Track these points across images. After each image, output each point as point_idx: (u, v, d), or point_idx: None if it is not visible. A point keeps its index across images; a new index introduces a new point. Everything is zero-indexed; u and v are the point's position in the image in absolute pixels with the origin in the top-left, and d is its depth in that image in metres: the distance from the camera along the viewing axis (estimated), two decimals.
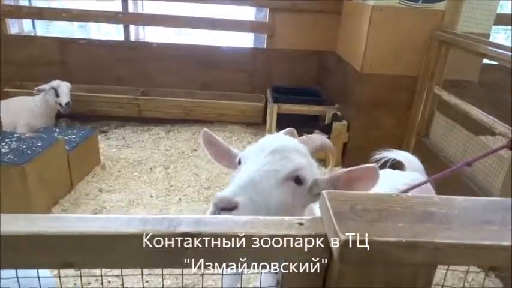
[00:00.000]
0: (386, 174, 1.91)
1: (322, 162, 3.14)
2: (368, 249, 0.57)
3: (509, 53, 2.42)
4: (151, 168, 3.74)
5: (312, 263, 0.66)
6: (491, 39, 3.50)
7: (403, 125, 3.69)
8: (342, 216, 0.61)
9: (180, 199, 3.29)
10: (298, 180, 1.13)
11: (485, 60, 3.39)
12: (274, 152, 1.15)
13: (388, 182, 1.78)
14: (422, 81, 3.47)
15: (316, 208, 1.24)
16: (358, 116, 3.75)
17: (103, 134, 4.44)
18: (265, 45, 4.81)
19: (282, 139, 1.22)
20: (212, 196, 3.35)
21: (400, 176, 1.93)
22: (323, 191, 0.68)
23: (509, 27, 5.21)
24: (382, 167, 2.13)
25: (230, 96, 4.77)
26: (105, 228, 0.65)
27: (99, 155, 3.77)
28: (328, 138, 3.96)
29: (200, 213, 3.13)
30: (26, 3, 5.16)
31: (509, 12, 4.84)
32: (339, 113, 4.07)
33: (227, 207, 1.02)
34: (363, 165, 1.08)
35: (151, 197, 3.30)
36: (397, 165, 2.19)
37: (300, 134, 4.21)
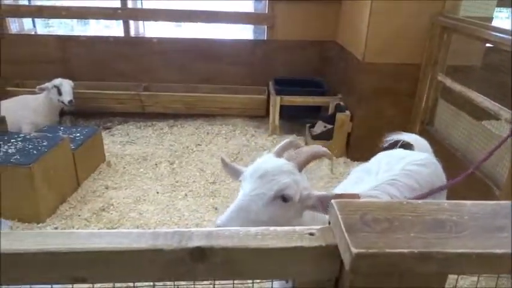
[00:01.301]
0: (398, 153, 2.02)
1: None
2: (380, 261, 0.57)
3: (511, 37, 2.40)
4: (156, 164, 3.76)
5: (323, 273, 0.66)
6: (495, 19, 3.45)
7: (407, 114, 3.67)
8: (352, 228, 0.61)
9: (186, 194, 3.30)
10: (284, 198, 1.29)
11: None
12: (261, 177, 1.31)
13: (401, 161, 1.89)
14: (425, 69, 3.45)
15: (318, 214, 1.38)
16: (362, 106, 3.73)
17: (107, 130, 4.44)
18: (265, 36, 4.78)
19: (270, 162, 1.37)
20: (217, 191, 3.38)
21: (411, 155, 1.98)
22: (332, 200, 0.68)
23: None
24: (393, 147, 2.20)
25: (232, 89, 4.75)
26: (116, 244, 0.65)
27: (104, 152, 3.79)
28: (332, 128, 3.97)
29: (207, 208, 3.15)
30: (26, 2, 5.13)
31: None
32: (342, 103, 4.05)
33: None
34: (350, 193, 1.30)
35: (158, 193, 3.32)
36: (406, 147, 2.23)
37: (303, 125, 4.19)
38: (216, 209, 3.13)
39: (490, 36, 2.70)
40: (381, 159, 1.95)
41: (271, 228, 0.69)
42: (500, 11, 6.29)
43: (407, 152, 2.09)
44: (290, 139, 1.54)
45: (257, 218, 1.25)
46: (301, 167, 1.36)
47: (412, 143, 2.24)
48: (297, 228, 0.69)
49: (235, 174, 1.50)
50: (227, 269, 0.67)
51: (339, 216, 0.64)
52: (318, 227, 0.69)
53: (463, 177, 1.77)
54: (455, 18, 3.19)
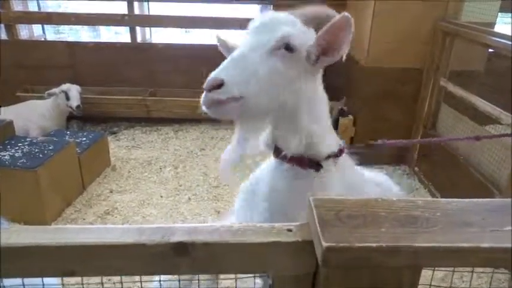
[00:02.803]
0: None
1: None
2: (350, 254, 0.60)
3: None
4: (160, 168, 3.80)
5: (300, 268, 0.69)
6: (503, 26, 3.45)
7: (410, 118, 3.67)
8: (326, 224, 0.64)
9: (189, 198, 3.34)
10: (288, 47, 1.09)
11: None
12: (260, 26, 1.13)
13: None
14: (428, 73, 3.46)
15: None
16: (364, 110, 3.74)
17: (113, 135, 4.51)
18: None
19: (269, 14, 1.19)
20: (221, 195, 3.41)
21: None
22: (310, 198, 0.70)
23: None
24: None
25: None
26: (103, 239, 0.69)
27: (110, 156, 3.85)
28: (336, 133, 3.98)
29: (210, 212, 3.18)
30: (35, 7, 5.24)
31: None
32: (345, 107, 4.07)
33: (214, 85, 1.05)
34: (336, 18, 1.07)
35: (161, 197, 3.36)
36: None
37: None
38: (218, 212, 3.17)
39: (491, 41, 2.71)
40: None
41: (251, 224, 0.72)
42: (507, 17, 6.27)
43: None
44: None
45: (254, 71, 1.05)
46: (307, 24, 1.16)
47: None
48: (276, 224, 0.72)
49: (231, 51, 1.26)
50: (208, 263, 0.70)
51: (314, 213, 0.66)
52: (297, 223, 0.72)
53: (465, 139, 1.74)
54: (457, 23, 3.21)
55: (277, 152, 1.23)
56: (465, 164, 2.95)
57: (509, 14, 5.62)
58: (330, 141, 1.24)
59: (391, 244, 0.59)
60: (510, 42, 2.45)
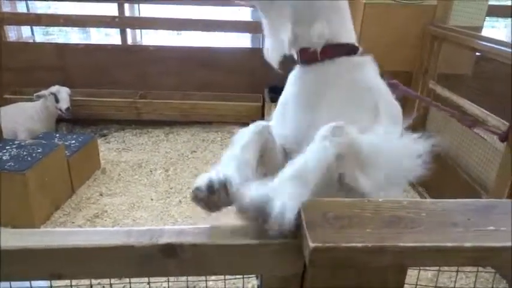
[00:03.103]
0: None
1: None
2: (336, 254, 0.60)
3: (498, 47, 2.45)
4: (151, 171, 3.79)
5: (288, 269, 0.69)
6: (490, 30, 3.51)
7: None
8: (314, 225, 0.65)
9: (180, 201, 3.33)
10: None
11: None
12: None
13: None
14: (417, 77, 3.50)
15: None
16: None
17: (103, 137, 4.48)
18: (261, 45, 4.84)
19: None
20: None
21: None
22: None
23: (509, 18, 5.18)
24: None
25: (228, 97, 4.79)
26: (90, 241, 0.68)
27: (100, 159, 3.82)
28: None
29: (200, 215, 3.17)
30: (24, 9, 5.19)
31: (506, 3, 4.86)
32: None
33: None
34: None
35: (152, 199, 3.34)
36: None
37: None
38: (210, 215, 3.16)
39: (478, 45, 2.75)
40: None
41: (240, 226, 0.72)
42: (494, 21, 6.37)
43: None
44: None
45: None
46: None
47: None
48: (266, 226, 0.72)
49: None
50: (197, 265, 0.70)
51: (302, 215, 0.67)
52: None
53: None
54: (445, 27, 3.25)
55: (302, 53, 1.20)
56: (453, 165, 2.99)
57: (497, 19, 5.72)
58: (346, 30, 1.22)
59: (376, 244, 0.60)
60: (496, 46, 2.49)
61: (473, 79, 3.59)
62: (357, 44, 1.23)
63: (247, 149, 0.99)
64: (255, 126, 1.09)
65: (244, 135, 1.05)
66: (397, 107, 1.23)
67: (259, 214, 0.70)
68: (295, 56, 1.25)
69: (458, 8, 3.36)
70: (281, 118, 1.29)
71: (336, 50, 1.17)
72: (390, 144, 0.93)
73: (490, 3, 3.63)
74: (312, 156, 0.81)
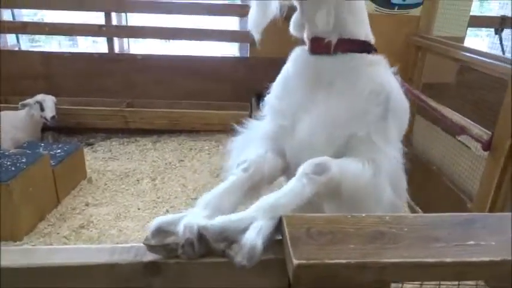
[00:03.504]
0: None
1: None
2: (320, 271, 0.61)
3: (479, 57, 2.51)
4: (138, 180, 3.76)
5: (273, 285, 0.70)
6: (474, 38, 3.58)
7: None
8: (297, 241, 0.65)
9: (167, 211, 3.30)
10: None
11: None
12: None
13: None
14: (402, 86, 3.54)
15: None
16: None
17: (89, 146, 4.43)
18: (248, 54, 4.86)
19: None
20: None
21: None
22: (282, 216, 0.72)
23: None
24: None
25: (215, 105, 4.80)
26: (74, 259, 0.68)
27: (86, 168, 3.78)
28: None
29: None
30: (10, 16, 5.14)
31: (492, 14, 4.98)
32: None
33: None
34: None
35: (139, 209, 3.31)
36: None
37: None
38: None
39: (460, 55, 2.81)
40: None
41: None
42: (476, 30, 6.51)
43: None
44: None
45: None
46: None
47: None
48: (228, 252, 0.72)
49: None
50: (181, 282, 0.70)
51: (286, 230, 0.67)
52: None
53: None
54: (429, 37, 3.31)
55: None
56: (438, 173, 3.03)
57: (478, 28, 5.85)
58: (361, 28, 1.20)
59: (360, 260, 0.61)
60: (477, 56, 2.55)
61: (457, 88, 3.66)
62: (372, 43, 1.22)
63: (228, 193, 1.00)
64: (243, 168, 1.06)
65: (232, 175, 1.04)
66: (406, 103, 1.23)
67: (223, 239, 0.71)
68: (307, 44, 1.22)
69: (442, 19, 3.43)
70: (281, 93, 1.29)
71: (349, 45, 1.16)
72: (371, 181, 0.94)
73: (472, 14, 3.71)
74: (287, 192, 0.83)
